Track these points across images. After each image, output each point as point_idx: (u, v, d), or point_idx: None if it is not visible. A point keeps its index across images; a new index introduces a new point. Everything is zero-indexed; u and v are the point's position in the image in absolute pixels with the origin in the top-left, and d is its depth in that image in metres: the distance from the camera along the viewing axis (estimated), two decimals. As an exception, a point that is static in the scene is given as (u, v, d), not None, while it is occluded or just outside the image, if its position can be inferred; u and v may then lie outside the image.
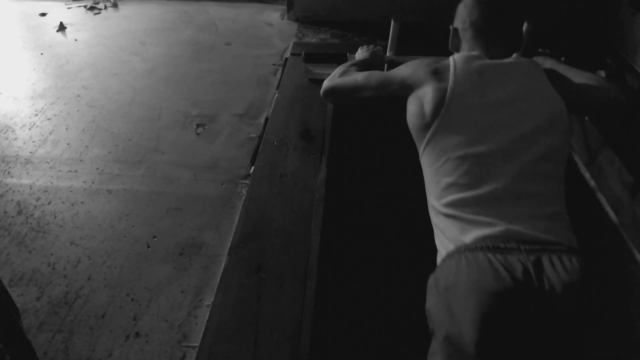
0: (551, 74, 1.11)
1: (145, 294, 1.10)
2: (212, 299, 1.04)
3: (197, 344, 0.96)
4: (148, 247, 1.21)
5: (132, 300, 1.08)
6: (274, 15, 2.53)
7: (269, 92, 1.85)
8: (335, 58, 1.74)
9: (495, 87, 1.03)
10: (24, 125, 1.67)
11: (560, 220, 0.95)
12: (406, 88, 1.12)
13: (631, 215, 1.27)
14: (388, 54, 1.71)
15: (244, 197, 1.32)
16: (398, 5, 2.21)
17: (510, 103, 1.01)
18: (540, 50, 1.47)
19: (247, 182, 1.40)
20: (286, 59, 2.03)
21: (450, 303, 0.85)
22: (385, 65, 1.65)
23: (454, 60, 1.07)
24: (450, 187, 0.98)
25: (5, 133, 1.63)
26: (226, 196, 1.37)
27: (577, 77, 1.18)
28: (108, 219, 1.29)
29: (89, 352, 0.98)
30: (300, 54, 1.76)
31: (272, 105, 1.70)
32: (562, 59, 1.44)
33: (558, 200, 0.98)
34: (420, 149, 1.08)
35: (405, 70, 1.15)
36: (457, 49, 1.19)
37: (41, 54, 2.15)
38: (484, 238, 0.89)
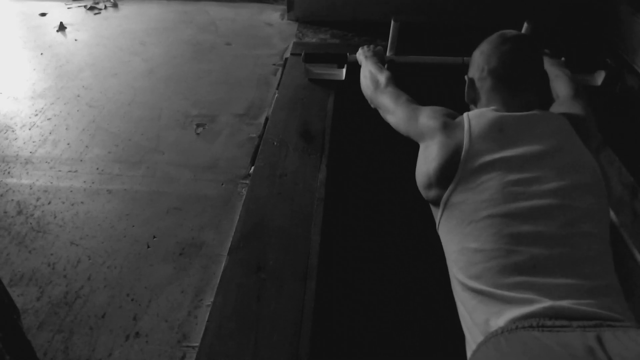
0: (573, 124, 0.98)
1: (145, 294, 1.10)
2: (212, 299, 1.04)
3: (197, 344, 0.96)
4: (148, 247, 1.21)
5: (132, 300, 1.08)
6: (274, 15, 2.53)
7: (269, 92, 1.85)
8: (335, 58, 1.75)
9: (520, 142, 0.90)
10: (24, 125, 1.67)
11: (617, 294, 0.79)
12: (418, 135, 1.05)
13: (631, 215, 1.27)
14: (388, 54, 1.71)
15: (244, 197, 1.32)
16: (398, 5, 2.21)
17: (539, 159, 0.88)
18: (540, 50, 1.46)
19: (247, 182, 1.40)
20: (286, 59, 2.03)
21: None
22: (385, 65, 1.65)
23: (468, 117, 0.96)
24: (476, 254, 0.83)
25: (5, 133, 1.63)
26: (226, 196, 1.37)
27: (568, 99, 1.14)
28: (108, 219, 1.29)
29: (89, 352, 0.98)
30: (300, 54, 1.76)
31: (272, 105, 1.70)
32: (562, 59, 1.44)
33: (609, 268, 0.82)
34: (438, 215, 0.95)
35: (424, 113, 1.07)
36: (475, 102, 1.07)
37: (41, 54, 2.15)
38: (522, 318, 0.72)
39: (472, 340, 0.79)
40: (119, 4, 2.67)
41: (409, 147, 1.27)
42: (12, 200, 1.35)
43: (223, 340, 0.95)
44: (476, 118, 0.94)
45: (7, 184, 1.41)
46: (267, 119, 1.65)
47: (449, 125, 0.97)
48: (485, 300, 0.78)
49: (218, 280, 1.08)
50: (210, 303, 1.05)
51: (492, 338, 0.73)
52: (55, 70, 2.01)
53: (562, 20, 2.13)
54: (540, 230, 0.80)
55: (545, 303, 0.72)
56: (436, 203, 0.95)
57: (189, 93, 1.85)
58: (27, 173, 1.45)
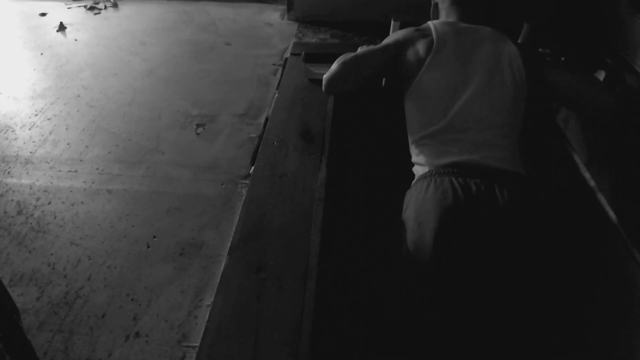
0: (536, 57, 1.30)
1: (145, 294, 1.10)
2: (212, 299, 1.04)
3: (197, 344, 0.96)
4: (148, 247, 1.21)
5: (132, 300, 1.08)
6: (274, 15, 2.53)
7: (269, 92, 1.85)
8: (335, 58, 1.74)
9: (470, 41, 1.24)
10: (24, 125, 1.67)
11: (513, 150, 1.17)
12: (401, 46, 1.29)
13: (631, 215, 1.27)
14: (388, 54, 1.71)
15: (244, 197, 1.32)
16: (398, 5, 2.21)
17: (483, 54, 1.22)
18: (540, 50, 1.46)
19: (247, 182, 1.40)
20: (286, 59, 2.03)
21: (418, 215, 1.06)
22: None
23: (433, 24, 1.28)
24: (430, 120, 1.18)
25: (5, 133, 1.63)
26: (226, 196, 1.37)
27: (575, 79, 1.22)
28: (108, 219, 1.29)
29: (89, 352, 0.98)
30: (300, 54, 1.76)
31: (272, 105, 1.70)
32: (562, 59, 1.44)
33: (515, 133, 1.19)
34: (407, 90, 1.26)
35: (395, 35, 1.34)
36: (437, 19, 1.39)
37: (41, 54, 2.15)
38: (451, 164, 1.09)
39: (421, 171, 1.16)
40: (119, 4, 2.67)
41: (409, 147, 1.27)
42: (12, 200, 1.35)
43: (223, 340, 0.95)
44: (440, 24, 1.28)
45: (7, 184, 1.41)
46: (267, 119, 1.65)
47: (421, 29, 1.30)
48: (432, 148, 1.16)
49: (218, 280, 1.08)
50: (210, 303, 1.05)
51: (428, 176, 1.11)
52: (55, 70, 2.01)
53: (562, 20, 2.13)
54: (474, 104, 1.16)
55: (465, 156, 1.10)
56: (410, 81, 1.25)
57: (189, 93, 1.85)
58: (27, 173, 1.45)
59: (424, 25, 1.31)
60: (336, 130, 1.57)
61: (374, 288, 1.47)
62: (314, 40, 2.17)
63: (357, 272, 1.51)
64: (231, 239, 1.18)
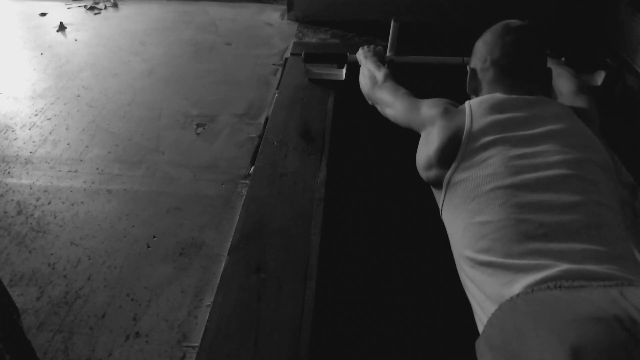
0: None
1: (145, 294, 1.10)
2: (212, 299, 1.04)
3: (197, 344, 0.96)
4: (148, 247, 1.21)
5: (132, 300, 1.08)
6: (274, 15, 2.53)
7: (269, 92, 1.85)
8: (335, 58, 1.75)
9: (523, 122, 0.89)
10: (24, 125, 1.67)
11: (632, 258, 0.76)
12: (419, 124, 1.04)
13: (631, 215, 1.27)
14: (388, 54, 1.71)
15: (244, 197, 1.32)
16: (398, 5, 2.21)
17: (544, 136, 0.87)
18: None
19: (247, 182, 1.40)
20: (286, 59, 2.03)
21: (516, 352, 0.65)
22: (385, 65, 1.65)
23: (470, 104, 0.96)
24: (484, 227, 0.80)
25: (5, 133, 1.63)
26: (226, 196, 1.37)
27: (571, 94, 1.15)
28: (108, 219, 1.29)
29: (89, 352, 0.98)
30: (300, 54, 1.76)
31: (272, 105, 1.70)
32: (562, 59, 1.44)
33: (621, 234, 0.79)
34: (441, 197, 0.94)
35: (426, 103, 1.07)
36: (476, 92, 1.06)
37: (41, 54, 2.15)
38: (538, 283, 0.69)
39: (484, 314, 0.76)
40: (119, 4, 2.67)
41: (409, 147, 1.27)
42: (12, 200, 1.35)
43: (223, 340, 0.95)
44: (478, 103, 0.94)
45: (7, 184, 1.41)
46: (267, 119, 1.65)
47: (450, 111, 0.97)
48: (497, 272, 0.75)
49: (218, 280, 1.08)
50: (210, 303, 1.05)
51: (507, 302, 0.70)
52: (55, 70, 2.01)
53: (562, 20, 2.13)
54: (548, 199, 0.79)
55: (562, 267, 0.70)
56: (438, 184, 0.94)
57: (189, 93, 1.85)
58: (27, 173, 1.45)
59: (458, 107, 0.99)
60: (336, 130, 1.57)
61: (374, 288, 1.47)
62: (314, 40, 2.17)
63: (357, 272, 1.51)
64: (231, 239, 1.18)
